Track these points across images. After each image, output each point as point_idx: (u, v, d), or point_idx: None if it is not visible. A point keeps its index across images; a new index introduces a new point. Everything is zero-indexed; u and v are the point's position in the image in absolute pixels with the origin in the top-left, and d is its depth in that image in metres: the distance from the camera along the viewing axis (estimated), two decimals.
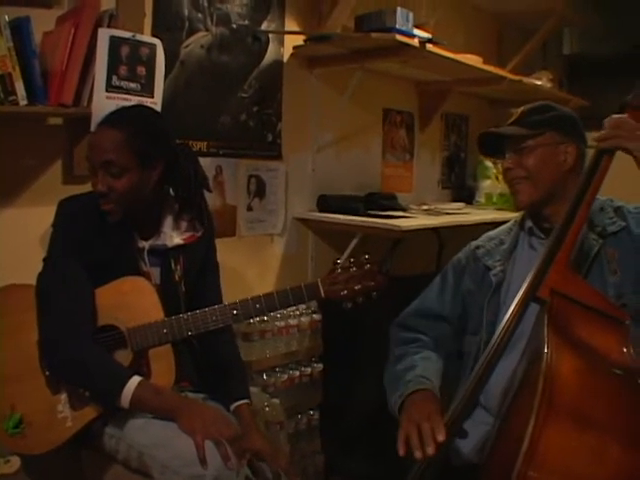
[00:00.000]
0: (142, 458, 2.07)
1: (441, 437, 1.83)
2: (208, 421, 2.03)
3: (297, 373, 3.32)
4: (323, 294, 2.21)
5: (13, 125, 2.59)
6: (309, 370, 3.38)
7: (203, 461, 1.93)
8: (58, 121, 2.75)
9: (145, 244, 2.26)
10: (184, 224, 2.33)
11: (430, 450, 1.83)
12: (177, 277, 2.31)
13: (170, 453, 1.99)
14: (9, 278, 2.30)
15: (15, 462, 1.80)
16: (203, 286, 2.42)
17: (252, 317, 2.29)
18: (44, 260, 2.24)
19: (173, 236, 2.30)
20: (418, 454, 1.85)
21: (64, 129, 2.76)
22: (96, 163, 2.16)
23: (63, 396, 2.16)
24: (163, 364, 2.16)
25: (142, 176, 2.18)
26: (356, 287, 2.23)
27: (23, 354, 2.18)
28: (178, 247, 2.31)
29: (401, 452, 1.89)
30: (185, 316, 2.17)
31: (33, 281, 2.24)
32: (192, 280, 2.36)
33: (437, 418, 1.91)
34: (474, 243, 2.40)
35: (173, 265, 2.31)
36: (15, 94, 2.36)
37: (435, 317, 2.36)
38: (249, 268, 3.29)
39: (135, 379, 2.05)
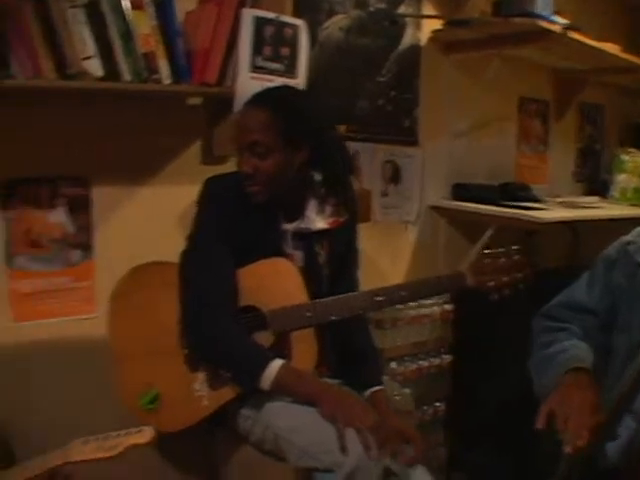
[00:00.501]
0: (278, 441, 2.05)
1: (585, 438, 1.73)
2: (350, 408, 1.99)
3: (426, 363, 3.27)
4: (470, 284, 2.14)
5: (154, 104, 2.62)
6: (438, 361, 3.32)
7: (344, 449, 1.89)
8: (198, 101, 2.76)
9: (289, 227, 2.23)
10: (329, 209, 2.28)
11: (580, 443, 1.72)
12: (321, 261, 2.28)
13: (309, 439, 1.97)
14: (147, 255, 2.32)
15: (148, 432, 1.78)
16: (343, 272, 2.38)
17: (395, 305, 2.23)
18: (188, 238, 2.24)
19: (317, 220, 2.25)
20: (569, 448, 1.75)
21: (203, 109, 2.77)
22: (242, 144, 2.15)
23: (201, 375, 2.17)
24: (305, 347, 2.13)
25: (288, 157, 2.15)
26: (504, 278, 2.15)
27: (162, 331, 2.20)
28: (322, 231, 2.27)
29: (540, 425, 1.81)
30: (329, 300, 2.14)
31: (170, 258, 2.26)
32: (334, 265, 2.32)
33: (590, 412, 1.81)
34: (625, 238, 2.28)
35: (317, 249, 2.27)
36: (158, 72, 2.37)
37: (583, 310, 2.24)
38: (382, 255, 3.24)
39: (277, 362, 2.03)
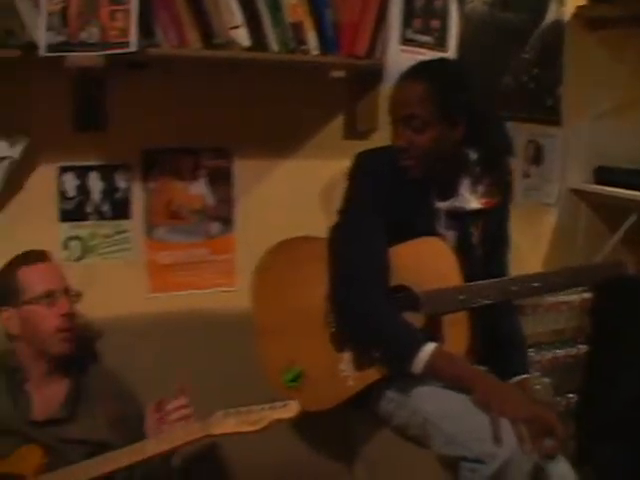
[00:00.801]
0: (425, 426, 2.00)
1: None
2: (506, 398, 1.90)
3: (562, 352, 3.14)
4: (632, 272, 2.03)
5: (298, 76, 2.59)
6: (574, 351, 3.18)
7: (498, 440, 1.80)
8: (341, 74, 2.71)
9: (443, 205, 2.15)
10: (482, 188, 2.18)
11: None
12: (474, 242, 2.19)
13: (459, 426, 1.90)
14: (287, 230, 2.32)
15: (293, 406, 1.73)
16: (495, 255, 2.29)
17: (551, 291, 2.12)
18: (339, 212, 2.19)
19: (471, 200, 2.16)
20: None
21: (347, 83, 2.72)
22: (398, 117, 2.08)
23: (346, 355, 2.13)
24: (457, 331, 2.06)
25: (444, 132, 2.06)
26: None
27: (308, 307, 2.19)
28: (476, 211, 2.18)
29: None
30: (484, 283, 2.06)
31: (311, 233, 2.27)
32: (487, 247, 2.24)
33: None
34: None
35: (472, 230, 2.18)
36: (306, 43, 2.35)
37: None
38: (523, 237, 3.11)
39: (430, 345, 1.95)
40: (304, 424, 2.32)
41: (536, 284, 2.04)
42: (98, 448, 1.89)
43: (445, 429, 1.93)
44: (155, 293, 2.57)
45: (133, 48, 2.02)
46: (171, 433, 1.79)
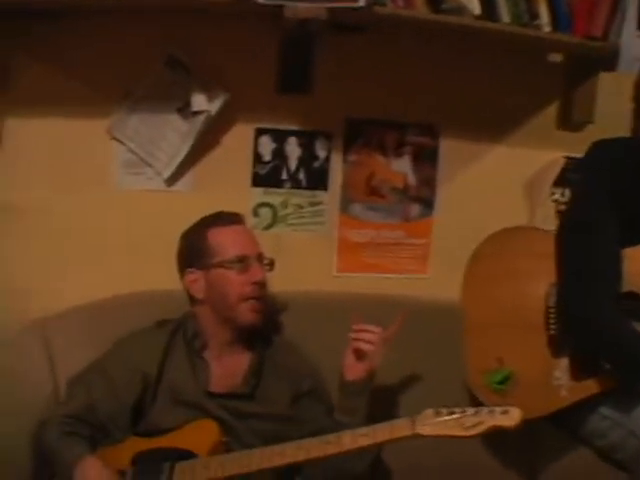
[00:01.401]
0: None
1: None
2: None
3: None
4: None
5: (514, 57, 2.50)
6: None
7: None
8: (558, 58, 2.60)
9: None
10: None
11: None
12: None
13: None
14: (488, 220, 2.22)
15: (516, 414, 1.56)
16: None
17: None
18: (569, 206, 2.11)
19: None
20: None
21: (565, 68, 2.59)
22: None
23: (564, 361, 1.98)
24: None
25: None
26: None
27: (523, 305, 2.05)
28: None
29: None
30: None
31: (515, 224, 2.22)
32: None
33: None
34: None
35: None
36: (539, 18, 2.26)
37: None
38: None
39: None
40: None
41: None
42: (278, 423, 1.87)
43: None
44: (344, 272, 2.50)
45: (361, 3, 1.94)
46: (374, 428, 1.66)
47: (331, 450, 1.63)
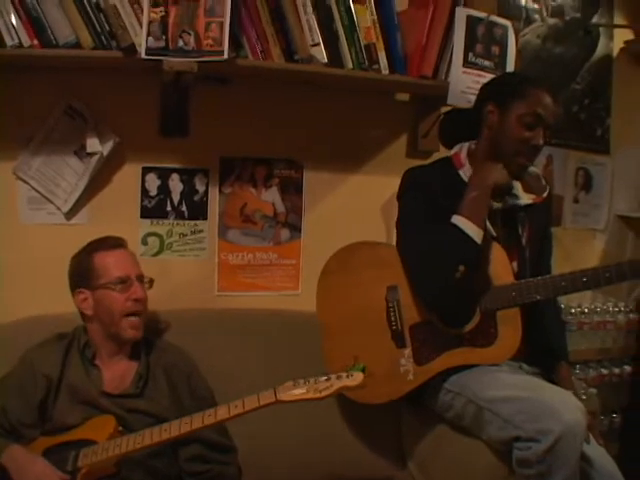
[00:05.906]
0: (480, 414, 2.09)
1: None
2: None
3: (607, 372, 3.21)
4: None
5: (365, 98, 2.77)
6: (618, 370, 3.26)
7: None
8: (405, 97, 2.87)
9: (497, 205, 2.24)
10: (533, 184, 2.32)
11: None
12: (524, 240, 2.28)
13: (516, 408, 1.97)
14: (350, 240, 2.41)
15: (359, 376, 1.79)
16: (541, 253, 2.39)
17: (599, 286, 2.11)
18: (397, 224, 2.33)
19: (523, 197, 2.27)
20: None
21: (411, 105, 2.88)
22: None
23: (407, 350, 2.23)
24: (510, 327, 2.13)
25: None
26: None
27: (369, 307, 2.29)
28: (526, 208, 2.28)
29: None
30: (535, 280, 2.13)
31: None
32: (535, 245, 2.33)
33: None
34: None
35: (520, 229, 2.28)
36: (378, 63, 2.49)
37: None
38: (571, 261, 3.21)
39: None
40: (357, 422, 2.46)
41: (584, 279, 2.08)
42: (162, 419, 2.00)
43: (502, 413, 2.00)
44: (224, 291, 2.68)
45: (225, 56, 2.16)
46: (243, 400, 1.83)
47: (210, 420, 1.83)
